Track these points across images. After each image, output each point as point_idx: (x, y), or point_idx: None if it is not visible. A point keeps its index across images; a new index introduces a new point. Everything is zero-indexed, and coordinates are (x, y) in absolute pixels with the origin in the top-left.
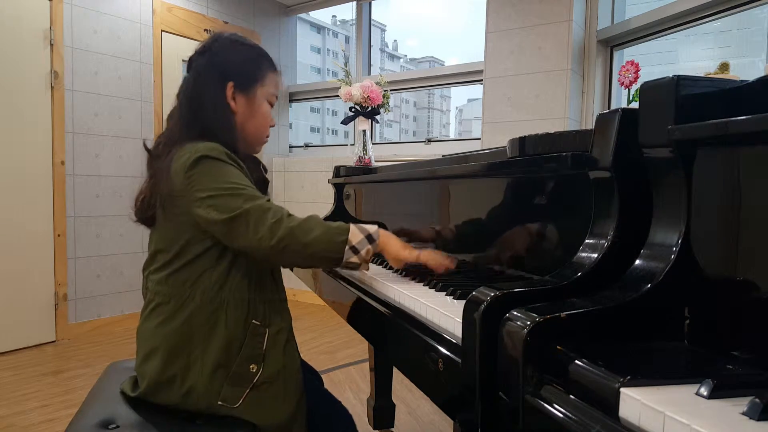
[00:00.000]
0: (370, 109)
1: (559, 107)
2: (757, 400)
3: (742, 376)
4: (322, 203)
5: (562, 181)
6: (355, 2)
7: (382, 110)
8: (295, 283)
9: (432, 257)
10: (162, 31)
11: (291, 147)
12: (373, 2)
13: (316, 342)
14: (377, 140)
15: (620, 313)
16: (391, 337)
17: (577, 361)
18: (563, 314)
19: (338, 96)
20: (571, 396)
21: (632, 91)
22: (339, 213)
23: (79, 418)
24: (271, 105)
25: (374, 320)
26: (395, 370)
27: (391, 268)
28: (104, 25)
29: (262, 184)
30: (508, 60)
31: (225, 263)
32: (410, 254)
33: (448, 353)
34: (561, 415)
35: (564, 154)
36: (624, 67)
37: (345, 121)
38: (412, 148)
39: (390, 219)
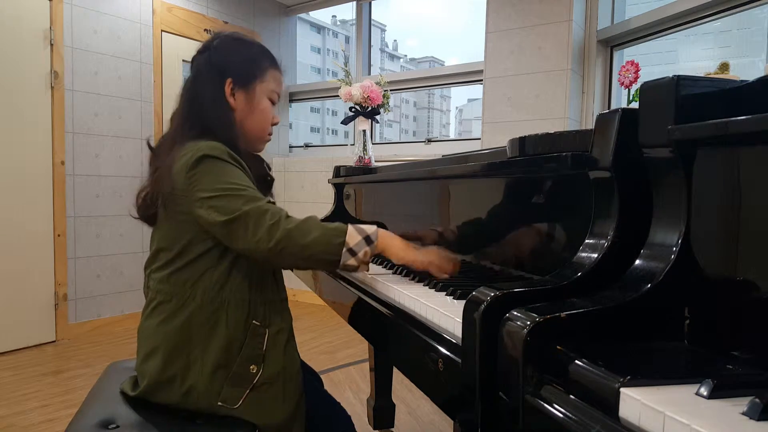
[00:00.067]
0: (370, 109)
1: (559, 107)
2: (757, 400)
3: (742, 376)
4: (322, 203)
5: (562, 181)
6: (355, 2)
7: (382, 110)
8: (295, 283)
9: (434, 264)
10: (162, 31)
11: (291, 147)
12: (373, 2)
13: (316, 342)
14: (377, 140)
15: (620, 313)
16: (391, 337)
17: (577, 361)
18: (563, 314)
19: (338, 96)
20: (571, 396)
21: (632, 91)
22: (339, 213)
23: (79, 418)
24: (273, 102)
25: (374, 320)
26: (395, 370)
27: (391, 267)
28: (104, 25)
29: (266, 183)
30: (508, 60)
31: (226, 263)
32: (414, 258)
33: (448, 353)
34: (561, 415)
35: (564, 154)
36: (624, 67)
37: (345, 121)
38: (412, 148)
39: (390, 219)
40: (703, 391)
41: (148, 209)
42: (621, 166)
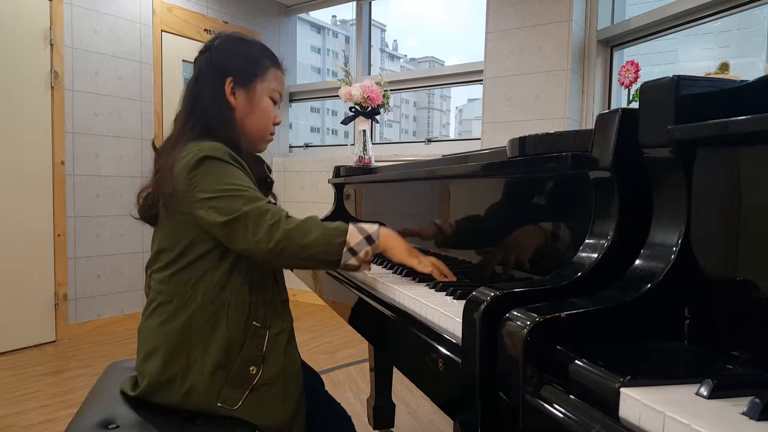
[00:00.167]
0: (370, 109)
1: (559, 107)
2: (757, 400)
3: (742, 376)
4: (322, 203)
5: (562, 181)
6: (355, 2)
7: (382, 110)
8: (295, 283)
9: (436, 267)
10: (162, 31)
11: (291, 147)
12: (373, 2)
13: (316, 342)
14: (377, 140)
15: (620, 313)
16: (391, 337)
17: (577, 361)
18: (563, 314)
19: (338, 96)
20: (571, 396)
21: (632, 91)
22: (339, 213)
23: (79, 418)
24: (275, 101)
25: (374, 320)
26: (395, 370)
27: (391, 267)
28: (104, 25)
29: (266, 184)
30: (508, 60)
31: (227, 264)
32: (417, 263)
33: (448, 353)
34: (561, 415)
35: (564, 154)
36: (624, 67)
37: (345, 121)
38: (412, 148)
39: (390, 219)
40: (703, 391)
41: (150, 209)
42: (621, 166)
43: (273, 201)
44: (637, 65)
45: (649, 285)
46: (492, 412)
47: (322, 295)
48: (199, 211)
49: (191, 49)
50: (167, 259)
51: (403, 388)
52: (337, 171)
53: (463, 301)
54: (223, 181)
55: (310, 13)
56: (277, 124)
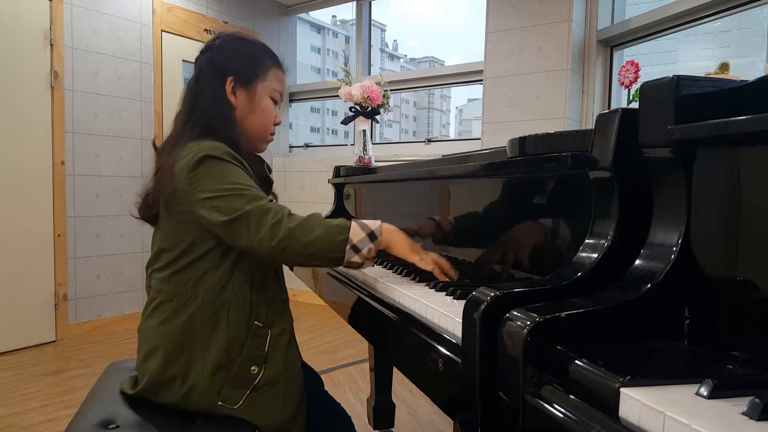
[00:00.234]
0: (370, 109)
1: (559, 107)
2: (757, 400)
3: (742, 376)
4: (322, 203)
5: (562, 181)
6: (355, 2)
7: (382, 110)
8: (295, 283)
9: (438, 264)
10: (162, 31)
11: (291, 147)
12: (373, 2)
13: (316, 342)
14: (377, 140)
15: (620, 313)
16: (391, 337)
17: (577, 361)
18: (563, 314)
19: (338, 96)
20: (571, 396)
21: (632, 91)
22: (339, 213)
23: (79, 418)
24: (275, 101)
25: (374, 320)
26: (395, 370)
27: (391, 267)
28: (104, 25)
29: (266, 183)
30: (508, 60)
31: (228, 264)
32: (418, 259)
33: (448, 353)
34: (561, 415)
35: (564, 154)
36: (624, 67)
37: (345, 121)
38: (412, 148)
39: (390, 219)
40: (703, 391)
41: (150, 209)
42: (621, 166)
43: (274, 200)
44: (637, 65)
45: (649, 285)
46: (492, 412)
47: (322, 295)
48: (201, 210)
49: (191, 49)
50: (168, 259)
51: (403, 388)
52: (337, 171)
53: (463, 301)
54: (225, 180)
55: (310, 13)
56: (278, 124)
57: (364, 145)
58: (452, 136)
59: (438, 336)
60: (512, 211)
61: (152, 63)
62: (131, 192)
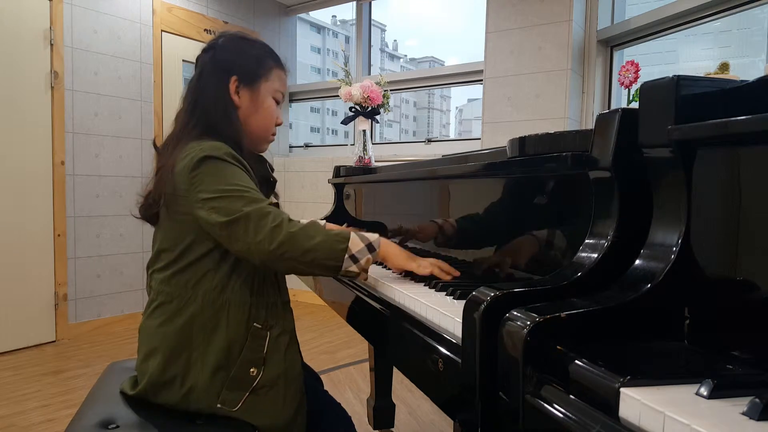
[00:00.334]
0: (370, 109)
1: (559, 107)
2: (757, 400)
3: (742, 376)
4: (322, 203)
5: (562, 181)
6: (355, 2)
7: (382, 110)
8: (295, 283)
9: (437, 267)
10: (162, 31)
11: (291, 147)
12: (373, 2)
13: (316, 342)
14: (377, 140)
15: (620, 313)
16: (392, 337)
17: (577, 361)
18: (563, 314)
19: (338, 96)
20: (571, 396)
21: (632, 91)
22: (339, 213)
23: (79, 418)
24: (277, 102)
25: (374, 320)
26: (395, 370)
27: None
28: (104, 25)
29: (269, 184)
30: (508, 60)
31: (227, 265)
32: (416, 266)
33: (448, 353)
34: (561, 415)
35: (564, 154)
36: (624, 67)
37: (345, 121)
38: (412, 148)
39: (390, 219)
40: (703, 391)
41: (151, 209)
42: (621, 166)
43: (276, 200)
44: (637, 65)
45: (649, 285)
46: (492, 412)
47: (322, 295)
48: (200, 211)
49: (191, 49)
50: (168, 259)
51: (403, 388)
52: (337, 171)
53: (463, 301)
54: (225, 181)
55: (310, 13)
56: (279, 124)
57: (364, 145)
58: (452, 136)
59: (438, 336)
60: (512, 211)
61: (152, 63)
62: (131, 192)
